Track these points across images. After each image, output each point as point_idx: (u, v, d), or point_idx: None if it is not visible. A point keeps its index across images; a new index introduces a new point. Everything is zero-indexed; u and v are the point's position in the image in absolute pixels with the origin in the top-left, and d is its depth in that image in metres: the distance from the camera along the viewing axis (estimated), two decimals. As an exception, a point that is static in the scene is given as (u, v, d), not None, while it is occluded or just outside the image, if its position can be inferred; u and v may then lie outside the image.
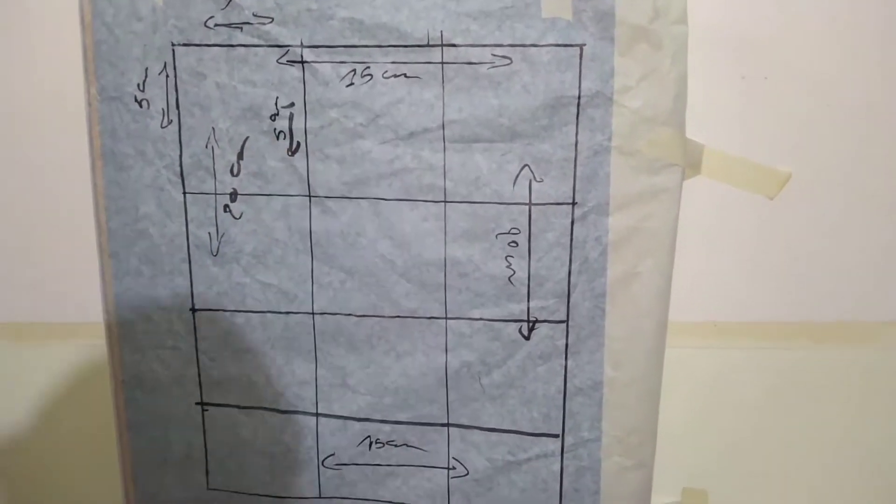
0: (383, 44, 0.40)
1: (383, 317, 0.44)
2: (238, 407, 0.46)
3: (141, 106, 0.43)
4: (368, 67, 0.41)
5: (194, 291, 0.45)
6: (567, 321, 0.43)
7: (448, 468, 0.45)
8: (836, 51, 0.40)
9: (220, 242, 0.44)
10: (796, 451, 0.45)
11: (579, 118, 0.40)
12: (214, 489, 0.48)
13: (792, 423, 0.44)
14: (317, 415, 0.46)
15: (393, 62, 0.41)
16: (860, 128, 0.40)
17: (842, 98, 0.40)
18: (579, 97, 0.40)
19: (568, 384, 0.43)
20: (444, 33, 0.40)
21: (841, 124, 0.40)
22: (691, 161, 0.41)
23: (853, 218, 0.42)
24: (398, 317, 0.44)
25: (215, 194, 0.44)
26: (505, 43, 0.40)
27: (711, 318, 0.44)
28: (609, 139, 0.40)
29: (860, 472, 0.45)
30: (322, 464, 0.46)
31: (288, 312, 0.45)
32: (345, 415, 0.45)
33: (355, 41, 0.41)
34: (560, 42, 0.39)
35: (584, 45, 0.39)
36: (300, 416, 0.46)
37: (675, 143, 0.40)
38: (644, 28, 0.39)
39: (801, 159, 0.41)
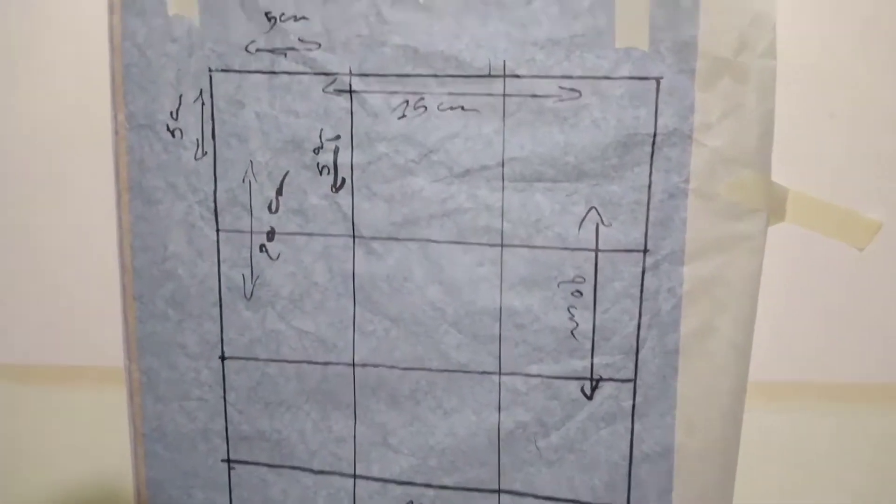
0: (439, 73, 0.37)
1: (430, 370, 0.40)
2: (268, 465, 0.42)
3: (173, 135, 0.40)
4: (422, 98, 0.38)
5: (224, 338, 0.41)
6: (635, 380, 0.39)
7: (498, 539, 0.41)
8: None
9: (254, 285, 0.41)
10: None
11: (654, 157, 0.37)
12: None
13: (871, 490, 0.40)
14: (354, 476, 0.41)
15: (450, 93, 0.38)
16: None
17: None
18: (655, 135, 0.36)
19: (634, 450, 0.39)
20: (507, 63, 0.37)
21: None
22: (775, 206, 0.37)
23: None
24: (447, 370, 0.40)
25: (251, 232, 0.40)
26: (574, 75, 0.36)
27: (795, 378, 0.39)
28: (686, 181, 0.37)
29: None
30: (357, 531, 0.42)
31: (326, 363, 0.41)
32: (385, 477, 0.41)
33: (409, 70, 0.38)
34: (635, 74, 0.36)
35: (662, 77, 0.36)
36: (336, 478, 0.42)
37: (758, 187, 0.37)
38: (729, 61, 0.35)
39: (894, 206, 0.37)
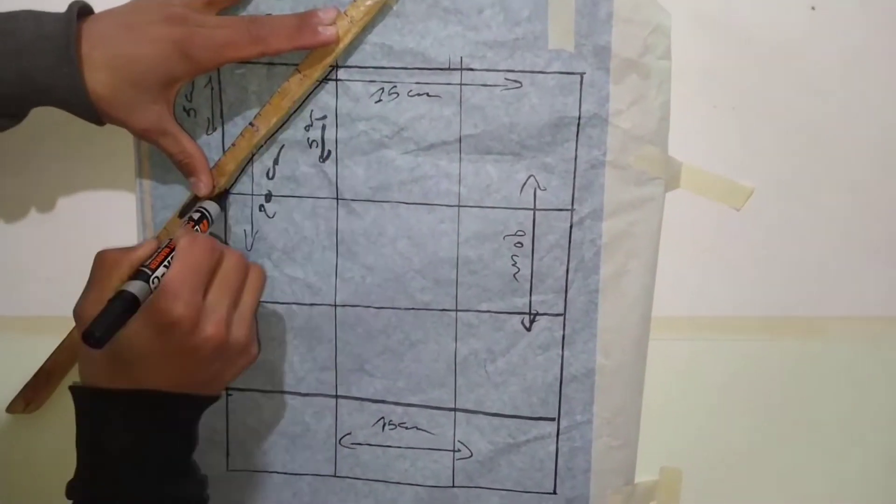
0: (409, 66, 0.46)
1: (399, 308, 0.49)
2: (262, 391, 0.50)
3: (189, 115, 0.48)
4: (395, 86, 0.47)
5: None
6: (564, 314, 0.48)
7: (454, 451, 0.50)
8: (793, 84, 0.47)
9: (254, 239, 0.49)
10: (759, 433, 0.51)
11: (579, 136, 0.46)
12: (234, 470, 0.51)
13: (755, 408, 0.50)
14: (336, 397, 0.50)
15: (417, 82, 0.47)
16: (813, 150, 0.48)
17: (797, 122, 0.47)
18: (579, 118, 0.46)
19: (564, 372, 0.49)
20: (463, 59, 0.46)
21: (796, 147, 0.48)
22: (672, 175, 0.48)
23: (806, 225, 0.48)
24: (413, 309, 0.49)
25: (252, 195, 0.49)
26: (516, 69, 0.46)
27: (687, 313, 0.49)
28: (604, 154, 0.46)
29: (811, 450, 0.51)
30: (339, 442, 0.50)
31: (312, 304, 0.49)
32: (361, 396, 0.50)
33: (384, 63, 0.46)
34: (564, 70, 0.46)
35: (584, 73, 0.46)
36: (320, 398, 0.50)
37: (658, 160, 0.47)
38: (635, 61, 0.45)
39: (763, 176, 0.48)
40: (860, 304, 0.49)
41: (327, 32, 0.43)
